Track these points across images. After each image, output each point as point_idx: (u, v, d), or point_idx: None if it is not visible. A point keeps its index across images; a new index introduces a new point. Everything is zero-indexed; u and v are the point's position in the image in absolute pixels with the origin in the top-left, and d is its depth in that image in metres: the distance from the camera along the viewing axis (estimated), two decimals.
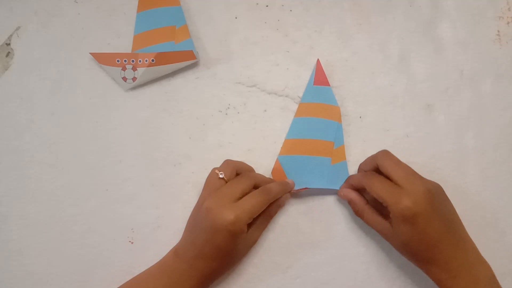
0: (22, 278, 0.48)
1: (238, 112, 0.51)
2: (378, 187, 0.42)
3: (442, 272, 0.40)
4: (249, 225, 0.44)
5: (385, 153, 0.45)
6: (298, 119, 0.50)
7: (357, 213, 0.46)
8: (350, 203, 0.47)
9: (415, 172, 0.43)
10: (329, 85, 0.50)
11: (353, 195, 0.46)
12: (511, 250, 0.49)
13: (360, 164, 0.49)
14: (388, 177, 0.43)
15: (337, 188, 0.48)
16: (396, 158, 0.44)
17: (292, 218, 0.49)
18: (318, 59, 0.50)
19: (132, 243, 0.49)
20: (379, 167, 0.44)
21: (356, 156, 0.49)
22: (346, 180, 0.48)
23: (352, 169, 0.49)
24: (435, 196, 0.41)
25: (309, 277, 0.48)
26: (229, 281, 0.48)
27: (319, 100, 0.50)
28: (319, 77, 0.50)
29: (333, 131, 0.49)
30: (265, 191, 0.44)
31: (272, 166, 0.49)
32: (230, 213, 0.40)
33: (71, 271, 0.48)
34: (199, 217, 0.43)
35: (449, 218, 0.42)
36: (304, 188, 0.48)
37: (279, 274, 0.48)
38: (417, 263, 0.42)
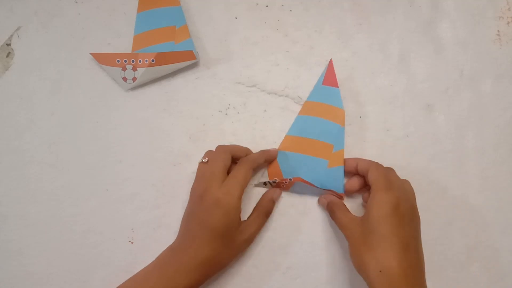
0: (22, 278, 0.48)
1: (238, 112, 0.51)
2: (363, 161, 0.46)
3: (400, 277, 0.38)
4: (245, 222, 0.45)
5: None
6: (301, 117, 0.50)
7: (331, 209, 0.46)
8: (328, 204, 0.47)
9: None
10: (338, 87, 0.49)
11: (331, 196, 0.48)
12: (511, 250, 0.49)
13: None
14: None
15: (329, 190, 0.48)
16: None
17: (292, 218, 0.49)
18: (331, 59, 0.50)
19: (132, 243, 0.49)
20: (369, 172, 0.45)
21: (356, 156, 0.49)
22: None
23: None
24: (413, 201, 0.43)
25: (309, 277, 0.48)
26: (229, 281, 0.48)
27: (325, 101, 0.49)
28: (329, 78, 0.50)
29: (334, 134, 0.49)
30: (244, 160, 0.45)
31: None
32: (220, 191, 0.42)
33: (71, 271, 0.48)
34: (192, 207, 0.43)
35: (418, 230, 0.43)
36: (298, 179, 0.47)
37: (279, 274, 0.48)
38: (373, 263, 0.40)
